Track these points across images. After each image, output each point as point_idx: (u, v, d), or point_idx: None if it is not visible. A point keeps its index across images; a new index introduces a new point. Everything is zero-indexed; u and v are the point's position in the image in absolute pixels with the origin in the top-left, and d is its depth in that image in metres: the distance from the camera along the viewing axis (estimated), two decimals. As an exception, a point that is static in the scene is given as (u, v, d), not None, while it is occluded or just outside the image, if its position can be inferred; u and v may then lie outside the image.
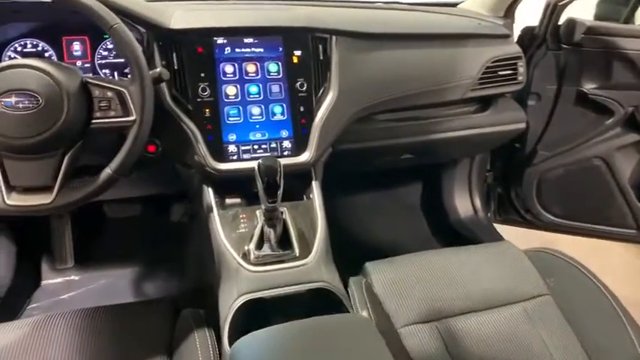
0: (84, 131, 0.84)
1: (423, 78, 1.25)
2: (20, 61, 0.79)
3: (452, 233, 1.78)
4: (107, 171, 0.83)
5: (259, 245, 0.93)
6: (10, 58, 1.09)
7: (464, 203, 1.78)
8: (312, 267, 0.91)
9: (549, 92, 1.50)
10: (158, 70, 0.94)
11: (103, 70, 1.13)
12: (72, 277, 1.53)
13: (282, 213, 0.98)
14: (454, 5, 1.61)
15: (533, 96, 1.53)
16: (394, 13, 1.39)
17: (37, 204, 0.80)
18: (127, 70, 1.15)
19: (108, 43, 1.13)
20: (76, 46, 1.12)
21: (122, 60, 1.14)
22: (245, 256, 0.92)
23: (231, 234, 0.96)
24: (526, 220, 1.71)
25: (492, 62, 1.31)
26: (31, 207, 0.80)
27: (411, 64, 1.25)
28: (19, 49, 1.09)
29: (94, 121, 0.84)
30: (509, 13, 1.42)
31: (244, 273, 0.89)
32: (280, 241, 0.95)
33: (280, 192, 0.88)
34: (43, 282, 1.52)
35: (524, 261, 1.11)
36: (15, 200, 0.79)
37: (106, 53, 1.13)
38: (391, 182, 1.86)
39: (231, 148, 1.07)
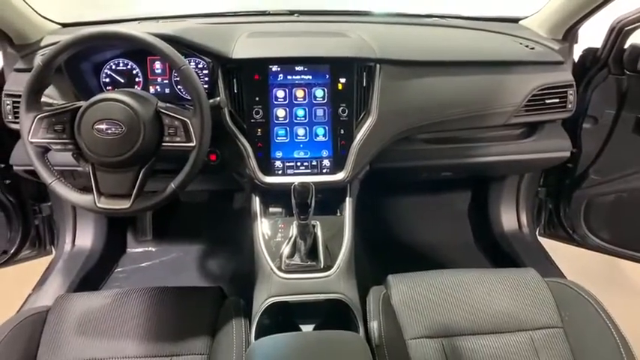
0: (155, 151, 1.03)
1: (464, 104, 1.30)
2: (109, 95, 1.00)
3: (493, 246, 1.82)
4: (171, 186, 1.03)
5: (291, 254, 1.09)
6: (107, 74, 1.32)
7: (509, 217, 1.80)
8: (332, 280, 1.05)
9: (607, 117, 1.47)
10: (218, 99, 1.12)
11: (178, 87, 1.33)
12: (150, 249, 1.83)
13: (314, 226, 1.12)
14: (516, 21, 1.60)
15: (590, 119, 1.50)
16: (444, 34, 1.43)
17: (118, 208, 1.02)
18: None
19: (183, 63, 1.32)
20: (157, 65, 1.33)
21: (194, 78, 1.33)
22: (278, 262, 1.09)
23: (269, 241, 1.13)
24: (573, 239, 1.71)
25: (540, 90, 1.32)
26: (114, 210, 1.02)
27: (454, 91, 1.30)
28: (113, 67, 1.32)
29: (163, 144, 1.03)
30: (567, 36, 1.39)
31: (275, 278, 1.06)
32: (309, 252, 1.10)
33: (311, 211, 1.03)
34: (128, 250, 1.83)
35: (544, 291, 1.16)
36: (103, 204, 1.02)
37: (180, 72, 1.33)
38: (435, 190, 1.92)
39: (278, 164, 1.22)
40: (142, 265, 1.77)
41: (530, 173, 1.73)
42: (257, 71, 1.21)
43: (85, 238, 1.69)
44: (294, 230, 1.14)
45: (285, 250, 1.10)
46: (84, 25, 1.52)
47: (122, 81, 1.32)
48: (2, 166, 1.47)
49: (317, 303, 1.03)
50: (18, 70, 1.26)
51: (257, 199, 1.22)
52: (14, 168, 1.30)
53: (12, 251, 1.57)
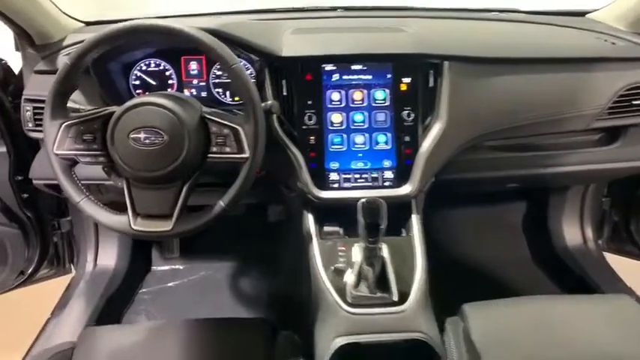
0: (201, 164, 0.89)
1: (542, 106, 1.15)
2: (147, 98, 0.86)
3: (554, 262, 1.65)
4: (220, 204, 0.88)
5: (356, 283, 0.94)
6: (137, 76, 1.18)
7: (573, 231, 1.63)
8: (409, 314, 0.90)
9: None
10: (269, 102, 0.97)
11: (216, 89, 1.18)
12: (177, 266, 1.68)
13: (379, 249, 0.97)
14: (582, 14, 1.44)
15: None
16: (512, 29, 1.28)
17: (158, 230, 0.87)
18: (238, 90, 1.19)
19: (222, 63, 1.18)
20: (193, 66, 1.18)
21: (234, 80, 1.18)
22: (342, 292, 0.93)
23: (330, 266, 0.98)
24: (644, 254, 1.54)
25: (627, 90, 1.16)
26: (153, 233, 0.87)
27: (530, 91, 1.14)
28: (144, 67, 1.18)
29: (210, 155, 0.88)
30: (653, 30, 1.24)
31: (342, 313, 0.90)
32: (377, 281, 0.94)
33: (382, 232, 0.87)
34: (152, 268, 1.68)
35: None
36: (139, 225, 0.87)
37: (220, 73, 1.18)
38: (489, 203, 1.75)
39: (333, 176, 1.07)
40: (169, 285, 1.62)
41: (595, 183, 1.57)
42: (309, 71, 1.06)
43: (108, 256, 1.54)
44: (357, 254, 0.98)
45: (350, 278, 0.94)
46: (109, 23, 1.38)
47: (154, 83, 1.18)
48: (20, 178, 1.33)
49: (393, 343, 0.87)
50: (39, 72, 1.12)
51: (310, 216, 1.07)
52: (34, 182, 1.16)
53: (30, 271, 1.43)
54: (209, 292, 1.58)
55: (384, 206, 0.87)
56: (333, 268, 0.98)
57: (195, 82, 1.19)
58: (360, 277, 0.94)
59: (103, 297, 1.44)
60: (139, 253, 1.64)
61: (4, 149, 1.27)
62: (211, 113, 0.89)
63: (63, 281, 1.64)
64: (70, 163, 0.89)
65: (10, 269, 1.37)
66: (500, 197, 1.75)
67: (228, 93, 1.19)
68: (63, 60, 1.10)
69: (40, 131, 1.10)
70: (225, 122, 0.87)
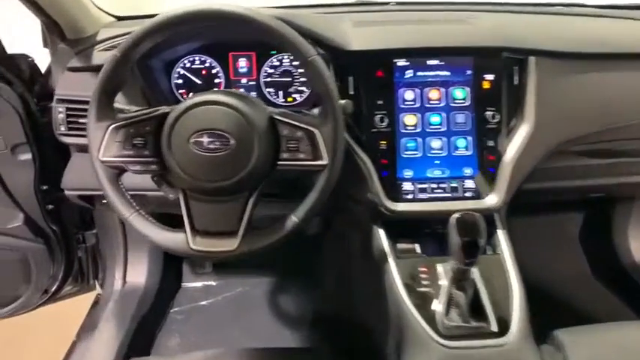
0: (269, 173, 0.76)
1: (634, 106, 1.02)
2: (210, 96, 0.73)
3: (621, 278, 1.51)
4: (293, 219, 0.75)
5: (447, 310, 0.81)
6: (180, 74, 1.06)
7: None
8: (513, 348, 0.77)
9: None
10: (343, 102, 0.84)
11: (267, 89, 1.06)
12: (210, 283, 1.55)
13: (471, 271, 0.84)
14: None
15: None
16: (593, 24, 1.16)
17: (221, 250, 0.74)
18: (291, 90, 1.07)
19: (274, 60, 1.06)
20: (242, 63, 1.06)
21: (288, 79, 1.06)
22: (431, 321, 0.80)
23: (412, 290, 0.85)
24: None
25: None
26: (216, 253, 0.75)
27: (621, 90, 1.02)
28: (187, 65, 1.06)
29: (280, 162, 0.76)
30: None
31: (434, 345, 0.77)
32: (471, 307, 0.81)
33: (481, 252, 0.75)
34: (184, 284, 1.55)
35: None
36: (199, 244, 0.74)
37: (271, 71, 1.06)
38: (545, 212, 1.61)
39: (407, 185, 0.95)
40: (202, 303, 1.49)
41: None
42: (380, 67, 0.94)
43: (138, 272, 1.41)
44: (442, 276, 0.85)
45: (439, 305, 0.81)
46: (142, 18, 1.26)
47: (199, 82, 1.06)
48: (44, 188, 1.20)
49: None
50: (73, 70, 1.00)
51: (382, 232, 0.94)
52: (66, 193, 1.04)
53: (53, 289, 1.31)
54: (246, 310, 1.44)
55: (483, 222, 0.74)
56: (416, 293, 0.85)
57: (244, 80, 1.07)
58: (450, 303, 0.81)
59: (135, 318, 1.31)
60: (170, 268, 1.51)
61: (28, 156, 1.15)
62: (281, 114, 0.76)
63: (85, 298, 1.51)
64: (118, 172, 0.76)
65: (34, 288, 1.25)
66: (556, 206, 1.62)
67: (280, 93, 1.07)
68: (104, 54, 0.99)
69: (74, 135, 0.99)
70: (299, 124, 0.75)
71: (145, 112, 0.76)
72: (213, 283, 1.55)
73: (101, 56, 0.99)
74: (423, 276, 0.87)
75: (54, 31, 1.02)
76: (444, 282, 0.84)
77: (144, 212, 0.77)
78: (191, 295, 1.51)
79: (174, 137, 0.72)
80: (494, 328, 0.78)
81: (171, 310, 1.46)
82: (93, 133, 0.75)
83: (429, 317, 0.81)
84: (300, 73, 1.06)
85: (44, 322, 1.41)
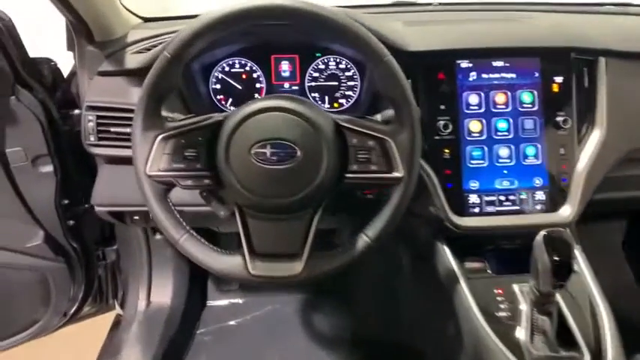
0: (336, 186, 0.68)
1: None
2: (273, 102, 0.65)
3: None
4: (364, 239, 0.67)
5: (532, 338, 0.73)
6: (218, 79, 0.98)
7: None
8: (613, 381, 0.69)
9: None
10: None
11: (312, 94, 0.98)
12: (237, 300, 1.45)
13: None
14: None
15: None
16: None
17: (284, 275, 0.66)
18: (337, 95, 0.99)
19: (320, 63, 0.98)
20: (285, 66, 0.98)
21: (334, 83, 0.99)
22: (516, 350, 0.72)
23: (490, 316, 0.76)
24: None
25: None
26: (279, 278, 0.66)
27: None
28: (226, 68, 0.98)
29: (348, 175, 0.67)
30: None
31: (524, 379, 0.69)
32: (557, 334, 0.73)
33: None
34: (209, 303, 1.45)
35: None
36: (260, 269, 0.66)
37: (316, 75, 0.98)
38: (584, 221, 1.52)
39: (473, 198, 0.87)
40: (230, 323, 1.39)
41: None
42: (441, 68, 0.86)
43: (163, 291, 1.32)
44: (521, 299, 0.77)
45: (522, 331, 0.73)
46: (170, 19, 1.18)
47: (238, 87, 0.98)
48: (66, 202, 1.12)
49: None
50: (104, 74, 0.92)
51: (447, 250, 0.86)
52: (97, 209, 0.95)
53: (72, 311, 1.21)
54: (278, 331, 1.35)
55: (573, 240, 0.66)
56: (492, 317, 0.76)
57: (286, 85, 0.99)
58: (534, 329, 0.73)
59: (162, 341, 1.22)
60: (195, 285, 1.41)
61: (50, 168, 1.06)
62: (348, 120, 0.68)
63: (101, 318, 1.42)
64: (167, 188, 0.68)
65: (53, 311, 1.15)
66: (601, 215, 1.54)
67: (326, 99, 0.99)
68: (138, 56, 0.91)
69: (105, 146, 0.90)
70: (371, 132, 0.67)
71: (196, 120, 0.68)
72: (240, 301, 1.45)
73: (135, 59, 0.90)
74: (500, 299, 0.79)
75: (81, 32, 0.94)
76: (524, 306, 0.76)
77: (194, 233, 0.69)
78: (218, 315, 1.42)
79: (233, 148, 0.64)
80: (587, 358, 0.70)
81: (198, 332, 1.37)
82: (139, 144, 0.66)
83: (513, 345, 0.72)
84: (348, 76, 0.98)
85: (59, 344, 1.32)
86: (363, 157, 0.67)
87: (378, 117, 0.78)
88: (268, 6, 0.62)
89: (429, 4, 1.22)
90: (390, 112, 0.76)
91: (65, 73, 1.11)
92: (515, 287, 0.79)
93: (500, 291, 0.79)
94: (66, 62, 1.11)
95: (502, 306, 0.77)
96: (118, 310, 1.41)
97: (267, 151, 0.63)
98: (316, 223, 0.67)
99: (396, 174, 0.66)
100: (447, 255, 0.85)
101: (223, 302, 1.45)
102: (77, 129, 1.11)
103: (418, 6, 1.18)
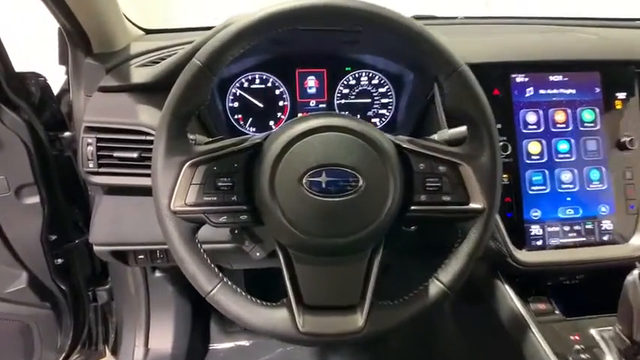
0: (399, 221, 0.56)
1: None
2: (327, 120, 0.54)
3: None
4: (439, 286, 0.55)
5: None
6: (236, 96, 0.86)
7: None
8: None
9: None
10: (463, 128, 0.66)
11: (345, 113, 0.88)
12: (242, 343, 1.30)
13: None
14: None
15: None
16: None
17: (343, 331, 0.53)
18: (370, 114, 0.89)
19: (350, 78, 0.88)
20: (311, 82, 0.88)
21: (367, 101, 0.88)
22: None
23: None
24: None
25: None
26: (336, 336, 0.54)
27: None
28: (245, 84, 0.86)
29: (414, 207, 0.56)
30: None
31: None
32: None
33: None
34: (212, 346, 1.30)
35: None
36: (311, 326, 0.53)
37: (346, 91, 0.88)
38: None
39: (534, 229, 0.76)
40: (237, 368, 1.24)
41: None
42: (495, 83, 0.77)
43: (163, 337, 1.16)
44: (606, 348, 0.66)
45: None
46: (172, 32, 1.07)
47: (260, 106, 0.87)
48: (54, 238, 0.97)
49: None
50: (105, 90, 0.79)
51: (508, 289, 0.75)
52: (96, 249, 0.81)
53: (58, 363, 1.05)
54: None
55: None
56: None
57: (312, 103, 0.88)
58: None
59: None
60: (198, 327, 1.26)
61: (36, 199, 0.91)
62: (410, 141, 0.57)
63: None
64: (195, 226, 0.55)
65: (36, 365, 0.99)
66: None
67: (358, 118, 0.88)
68: (143, 70, 0.79)
69: (106, 174, 0.77)
70: (443, 156, 0.56)
71: (231, 142, 0.56)
72: (246, 344, 1.30)
73: (141, 73, 0.78)
74: (578, 347, 0.67)
75: (78, 43, 0.81)
76: (610, 357, 0.65)
77: (229, 281, 0.56)
78: (221, 359, 1.27)
79: (280, 176, 0.52)
80: None
81: (201, 380, 1.21)
82: (162, 172, 0.54)
83: None
84: (381, 93, 0.88)
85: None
86: (433, 186, 0.56)
87: (435, 137, 0.68)
88: (338, 4, 0.51)
89: (454, 17, 1.15)
90: (448, 133, 0.66)
91: (55, 90, 0.98)
92: (594, 332, 0.68)
93: (576, 337, 0.68)
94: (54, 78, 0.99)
95: (583, 356, 0.66)
96: (108, 357, 1.25)
97: (323, 179, 0.51)
98: (378, 267, 0.56)
99: (474, 205, 0.55)
100: (508, 295, 0.74)
101: (228, 345, 1.30)
102: (67, 154, 0.98)
103: (440, 19, 1.10)
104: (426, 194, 0.56)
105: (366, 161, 0.52)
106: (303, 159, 0.52)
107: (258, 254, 0.62)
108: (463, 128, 0.61)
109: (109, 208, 0.80)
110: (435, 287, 0.55)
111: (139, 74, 0.78)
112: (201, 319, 1.28)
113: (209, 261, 0.55)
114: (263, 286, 1.01)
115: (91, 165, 0.77)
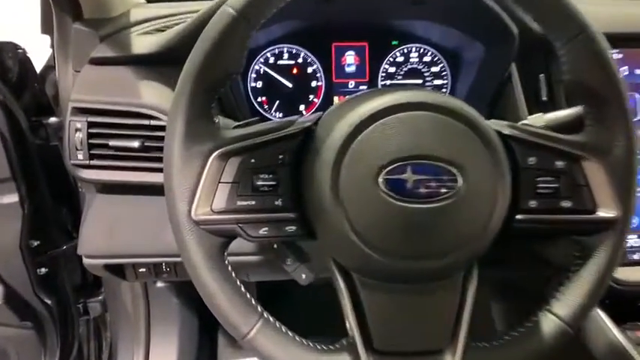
0: (501, 235, 0.42)
1: None
2: (412, 95, 0.38)
3: None
4: (553, 320, 0.41)
5: None
6: (259, 74, 0.71)
7: None
8: None
9: None
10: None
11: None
12: (254, 358, 1.15)
13: None
14: None
15: None
16: None
17: None
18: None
19: (397, 54, 0.73)
20: (350, 58, 0.72)
21: (417, 82, 0.73)
22: None
23: None
24: None
25: None
26: None
27: None
28: (271, 60, 0.71)
29: (521, 217, 0.41)
30: None
31: None
32: None
33: None
34: None
35: None
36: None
37: (393, 70, 0.73)
38: None
39: (632, 240, 0.62)
40: (248, 389, 1.09)
41: None
42: None
43: (166, 354, 1.01)
44: None
45: None
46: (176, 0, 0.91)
47: (288, 86, 0.71)
48: (36, 244, 0.81)
49: None
50: (99, 62, 0.63)
51: (602, 315, 0.60)
52: (86, 262, 0.65)
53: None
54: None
55: None
56: None
57: (351, 84, 0.73)
58: None
59: None
60: (205, 342, 1.11)
61: (14, 198, 0.76)
62: (513, 127, 0.43)
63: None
64: (225, 242, 0.40)
65: (14, 395, 0.83)
66: None
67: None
68: (147, 39, 0.63)
69: (99, 167, 0.61)
70: (562, 147, 0.41)
71: (270, 126, 0.41)
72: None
73: (145, 42, 0.62)
74: None
75: (66, 6, 0.66)
76: None
77: (270, 316, 0.41)
78: (231, 378, 1.12)
79: (347, 173, 0.37)
80: None
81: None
82: (179, 166, 0.39)
83: None
84: (434, 73, 0.73)
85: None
86: (548, 187, 0.41)
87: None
88: None
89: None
90: (546, 118, 0.50)
91: (38, 67, 0.82)
92: None
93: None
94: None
95: None
96: (101, 377, 1.09)
97: (408, 178, 0.36)
98: (473, 297, 0.41)
99: (603, 214, 0.41)
100: (603, 322, 0.60)
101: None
102: (53, 143, 0.82)
103: None
104: (537, 199, 0.41)
105: (468, 153, 0.37)
106: (379, 149, 0.37)
107: (304, 276, 0.47)
108: (569, 111, 0.46)
109: (103, 210, 0.64)
110: (549, 323, 0.41)
111: (142, 43, 0.63)
112: (208, 333, 1.13)
113: (242, 289, 0.40)
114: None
115: (80, 156, 0.61)
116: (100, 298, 1.01)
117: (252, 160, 0.39)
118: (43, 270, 0.84)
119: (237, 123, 0.46)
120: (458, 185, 0.37)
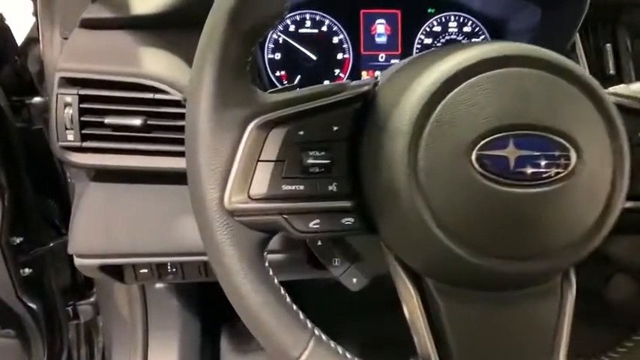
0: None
1: None
2: (511, 48, 0.30)
3: None
4: None
5: None
6: (278, 44, 0.62)
7: None
8: None
9: None
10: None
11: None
12: (259, 365, 1.07)
13: None
14: None
15: None
16: None
17: None
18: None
19: (434, 23, 0.64)
20: (380, 27, 0.63)
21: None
22: None
23: None
24: None
25: None
26: None
27: None
28: (291, 28, 0.62)
29: (631, 205, 0.33)
30: None
31: None
32: None
33: None
34: None
35: None
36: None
37: (429, 41, 0.64)
38: None
39: None
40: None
41: None
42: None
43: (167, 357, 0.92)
44: None
45: None
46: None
47: (312, 57, 0.62)
48: (18, 241, 0.71)
49: None
50: (90, 25, 0.53)
51: None
52: (77, 263, 0.56)
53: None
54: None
55: None
56: None
57: (382, 57, 0.64)
58: None
59: None
60: (207, 346, 1.02)
61: (-7, 187, 0.66)
62: (617, 94, 0.34)
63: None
64: (265, 238, 0.31)
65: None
66: None
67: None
68: None
69: (93, 150, 0.51)
70: None
71: (317, 91, 0.32)
72: (264, 363, 1.07)
73: (146, 1, 0.53)
74: None
75: (50, -41, 0.56)
76: None
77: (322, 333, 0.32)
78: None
79: (427, 148, 0.28)
80: None
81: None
82: (207, 139, 0.29)
83: None
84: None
85: None
86: None
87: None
88: None
89: None
90: (632, 89, 0.42)
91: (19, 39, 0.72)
92: None
93: None
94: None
95: None
96: (93, 385, 1.00)
97: (510, 153, 0.28)
98: (573, 304, 0.33)
99: None
100: None
101: (243, 366, 1.06)
102: (38, 126, 0.72)
103: None
104: None
105: (583, 124, 0.29)
106: (471, 117, 0.28)
107: (355, 280, 0.38)
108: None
109: (98, 201, 0.54)
110: None
111: (144, 2, 0.53)
112: (210, 336, 1.04)
113: (288, 299, 0.31)
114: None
115: (70, 137, 0.51)
116: (91, 299, 0.91)
117: (301, 133, 0.30)
118: (27, 271, 0.74)
119: (273, 89, 0.37)
120: (571, 163, 0.28)
